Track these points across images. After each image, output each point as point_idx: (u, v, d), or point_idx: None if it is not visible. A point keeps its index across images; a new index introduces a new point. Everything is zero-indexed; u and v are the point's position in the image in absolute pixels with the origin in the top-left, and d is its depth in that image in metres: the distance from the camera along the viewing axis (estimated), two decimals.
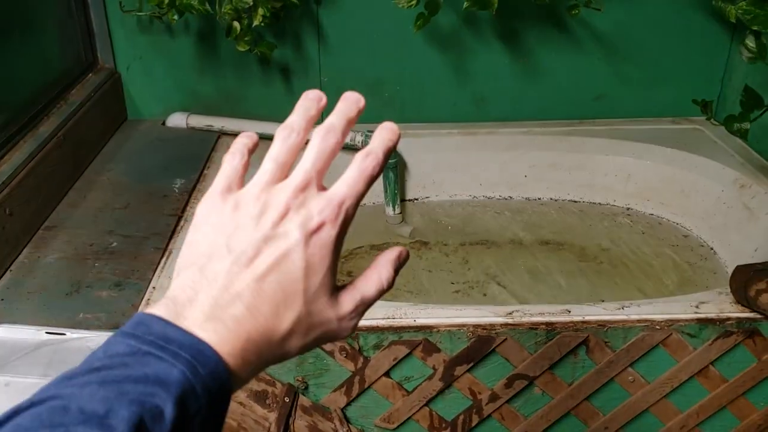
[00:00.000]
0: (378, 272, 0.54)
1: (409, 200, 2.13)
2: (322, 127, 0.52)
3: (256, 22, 1.80)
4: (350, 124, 0.53)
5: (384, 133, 0.53)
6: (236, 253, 0.49)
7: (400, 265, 0.55)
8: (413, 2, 1.79)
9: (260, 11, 1.79)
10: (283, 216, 0.50)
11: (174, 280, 0.50)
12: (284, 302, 0.49)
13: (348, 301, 0.52)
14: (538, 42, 2.09)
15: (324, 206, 0.50)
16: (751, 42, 1.46)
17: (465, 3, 1.73)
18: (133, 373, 0.42)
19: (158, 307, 0.47)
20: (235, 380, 0.47)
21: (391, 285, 0.54)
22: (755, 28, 1.40)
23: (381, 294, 0.54)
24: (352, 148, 1.95)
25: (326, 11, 2.02)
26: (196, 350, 0.44)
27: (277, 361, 0.51)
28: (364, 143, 1.91)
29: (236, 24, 1.82)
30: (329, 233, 0.50)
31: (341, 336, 0.53)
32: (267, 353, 0.49)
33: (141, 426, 0.39)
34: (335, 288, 0.52)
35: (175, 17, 1.84)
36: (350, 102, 0.54)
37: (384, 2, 1.98)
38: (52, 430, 0.38)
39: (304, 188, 0.51)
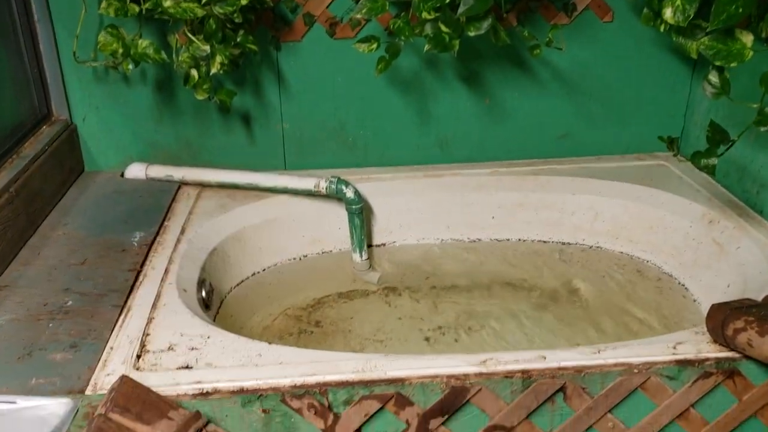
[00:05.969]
0: None
1: (377, 245, 2.09)
2: None
3: (214, 70, 1.76)
4: None
5: None
6: None
7: None
8: (374, 46, 1.78)
9: (218, 59, 1.75)
10: None
11: None
12: None
13: None
14: (501, 83, 2.08)
15: None
16: (714, 77, 1.45)
17: (426, 46, 1.71)
18: None
19: None
20: None
21: None
22: (718, 63, 1.40)
23: None
24: (315, 195, 1.91)
25: (286, 57, 1.99)
26: None
27: None
28: (329, 189, 1.87)
29: (194, 72, 1.78)
30: None
31: None
32: None
33: None
34: None
35: (131, 67, 1.80)
36: None
37: (345, 47, 1.96)
38: None
39: None
